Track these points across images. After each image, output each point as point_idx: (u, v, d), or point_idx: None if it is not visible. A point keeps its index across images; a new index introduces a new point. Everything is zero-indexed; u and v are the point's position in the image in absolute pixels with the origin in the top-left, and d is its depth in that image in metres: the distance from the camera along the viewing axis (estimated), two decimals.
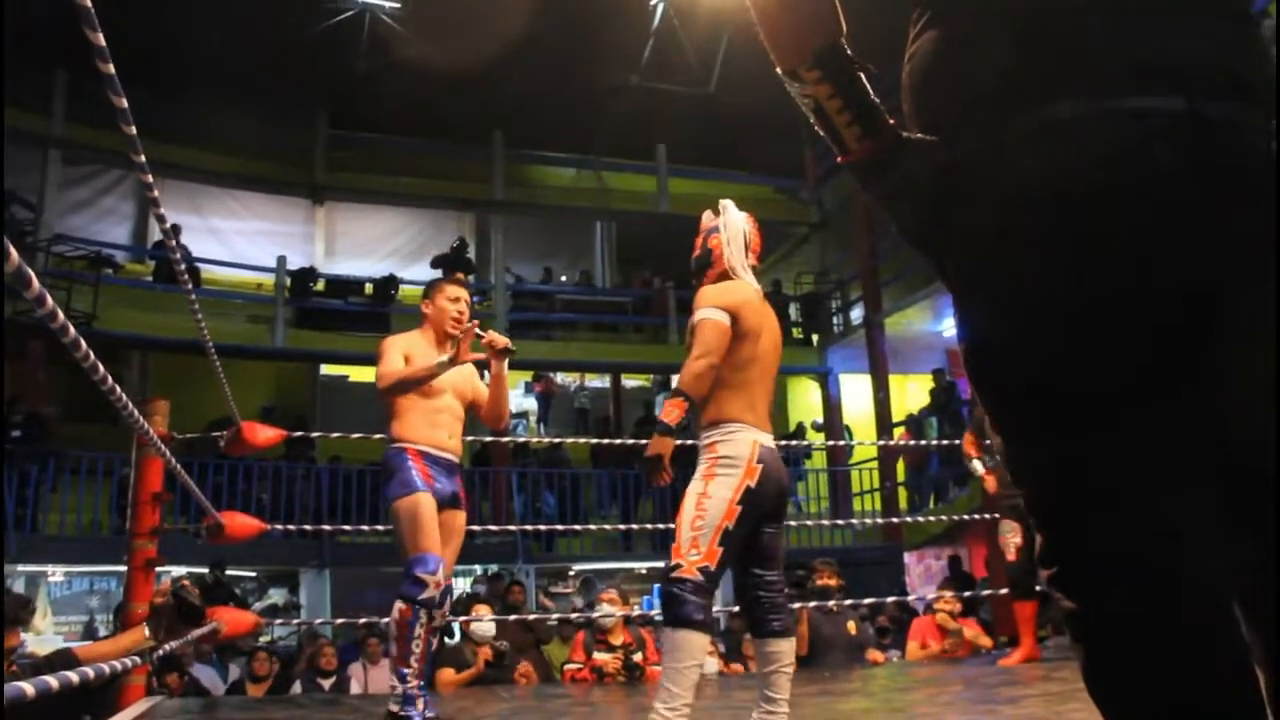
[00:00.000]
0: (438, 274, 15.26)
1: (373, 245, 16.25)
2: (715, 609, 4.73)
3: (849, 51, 1.15)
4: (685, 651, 2.67)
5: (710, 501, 2.81)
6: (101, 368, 1.62)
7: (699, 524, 2.79)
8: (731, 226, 3.19)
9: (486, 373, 3.94)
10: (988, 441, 5.62)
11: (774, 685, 2.87)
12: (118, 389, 1.85)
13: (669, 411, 2.87)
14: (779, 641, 2.92)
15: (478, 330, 3.66)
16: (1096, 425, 1.02)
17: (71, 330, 1.35)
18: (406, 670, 3.45)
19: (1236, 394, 1.00)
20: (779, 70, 1.18)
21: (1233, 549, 1.00)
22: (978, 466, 5.83)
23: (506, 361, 3.76)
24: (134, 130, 1.62)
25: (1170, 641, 0.98)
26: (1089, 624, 1.05)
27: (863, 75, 1.16)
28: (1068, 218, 1.03)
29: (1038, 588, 5.37)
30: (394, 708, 3.44)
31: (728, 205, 3.25)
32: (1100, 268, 1.02)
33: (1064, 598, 1.07)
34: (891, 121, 1.17)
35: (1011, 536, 5.50)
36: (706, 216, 3.27)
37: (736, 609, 3.64)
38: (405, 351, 3.75)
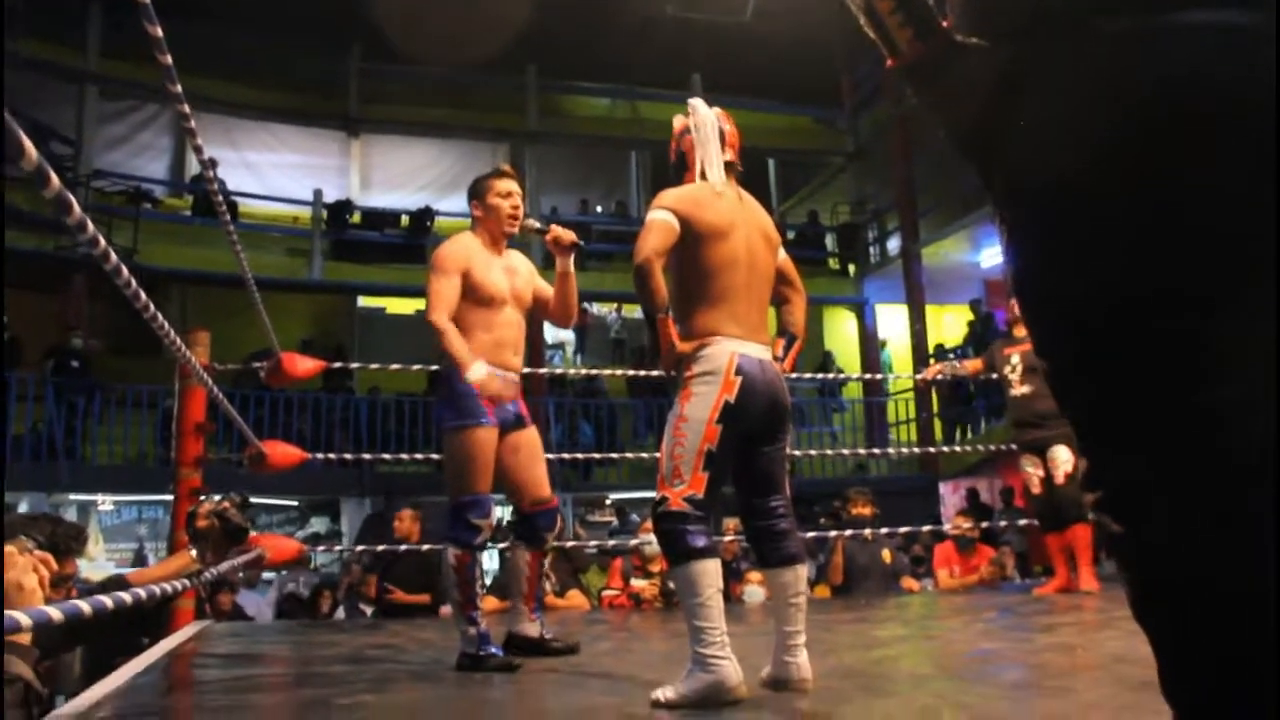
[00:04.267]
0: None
1: (407, 177, 16.25)
2: None
3: None
4: (699, 584, 2.53)
5: (688, 425, 2.64)
6: (144, 296, 1.64)
7: (679, 451, 2.63)
8: (703, 126, 2.94)
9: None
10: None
11: (785, 618, 2.70)
12: (160, 317, 1.87)
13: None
14: (783, 571, 2.74)
15: (538, 226, 3.48)
16: (1151, 340, 1.00)
17: (113, 257, 1.36)
18: (476, 613, 3.32)
19: None
20: None
21: None
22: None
23: (573, 258, 3.52)
24: (169, 59, 1.62)
25: (1223, 561, 0.96)
26: (1136, 547, 1.04)
27: None
28: (1128, 134, 1.00)
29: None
30: (470, 650, 3.29)
31: (696, 104, 2.99)
32: (1161, 183, 0.99)
33: (1110, 521, 1.05)
34: (946, 24, 1.13)
35: (1034, 471, 5.49)
36: (677, 120, 3.02)
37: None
38: (463, 267, 3.43)
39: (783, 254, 3.01)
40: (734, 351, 2.70)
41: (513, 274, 3.60)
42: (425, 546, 5.98)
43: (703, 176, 2.90)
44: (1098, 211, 1.02)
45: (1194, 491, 0.98)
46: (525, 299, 3.64)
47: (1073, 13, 1.04)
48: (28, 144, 0.87)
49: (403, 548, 6.07)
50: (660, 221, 2.75)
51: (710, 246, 2.76)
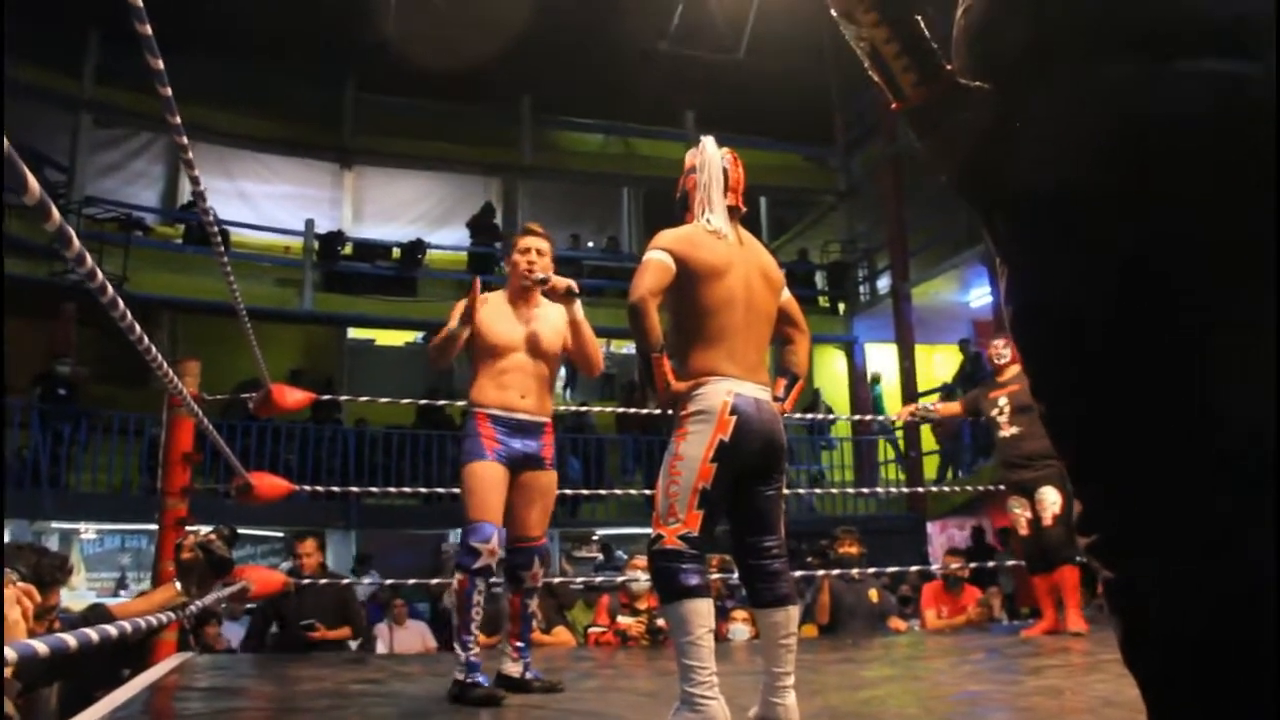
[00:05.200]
0: (463, 237, 15.35)
1: (400, 209, 16.28)
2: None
3: None
4: (691, 622, 2.54)
5: (683, 463, 2.66)
6: (138, 327, 1.64)
7: (674, 489, 2.66)
8: (708, 166, 2.95)
9: None
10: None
11: (774, 659, 2.68)
12: (152, 348, 1.87)
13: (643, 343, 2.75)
14: (775, 612, 2.73)
15: (538, 278, 3.61)
16: (1147, 384, 1.00)
17: (109, 289, 1.36)
18: (469, 638, 3.41)
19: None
20: (833, 11, 1.15)
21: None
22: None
23: (578, 304, 3.66)
24: (169, 91, 1.63)
25: (1216, 609, 0.96)
26: (1128, 592, 1.04)
27: (920, 19, 1.12)
28: (1133, 176, 1.01)
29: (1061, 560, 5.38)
30: (459, 675, 3.38)
31: (705, 143, 3.00)
32: (1163, 223, 1.00)
33: (1103, 566, 1.05)
34: (949, 68, 1.14)
35: (1021, 512, 5.50)
36: (688, 156, 3.04)
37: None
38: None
39: (786, 294, 3.04)
40: (730, 390, 2.71)
41: (533, 322, 3.75)
42: (307, 575, 5.75)
43: (700, 217, 2.91)
44: (1101, 248, 1.02)
45: (1187, 527, 0.97)
46: (546, 347, 3.76)
47: (1077, 56, 1.05)
48: (30, 178, 0.87)
49: (306, 580, 5.71)
50: (656, 261, 2.78)
51: (707, 286, 2.78)
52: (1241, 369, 0.97)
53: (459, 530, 3.68)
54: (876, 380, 15.83)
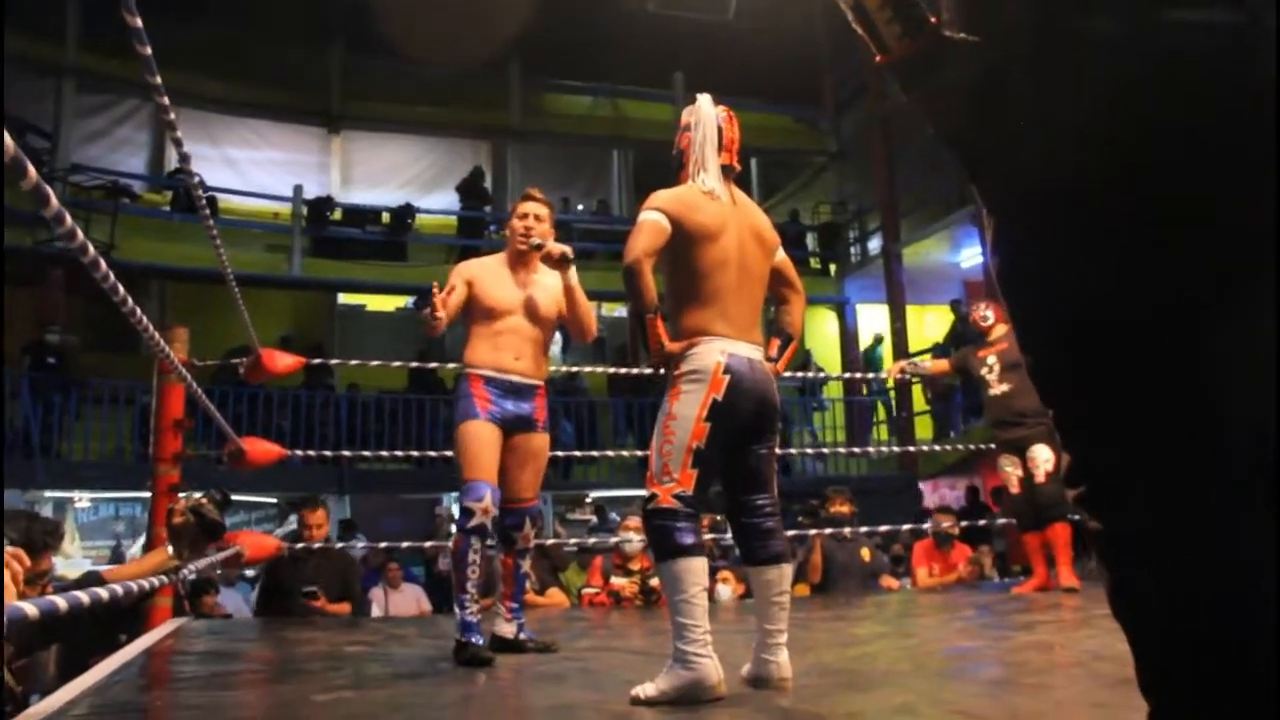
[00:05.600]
0: (453, 201, 15.28)
1: (389, 174, 16.18)
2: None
3: None
4: (686, 580, 2.56)
5: (676, 423, 2.68)
6: (122, 289, 1.63)
7: (668, 448, 2.67)
8: (703, 124, 2.93)
9: None
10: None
11: (767, 616, 2.72)
12: (139, 312, 1.85)
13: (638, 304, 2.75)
14: (768, 569, 2.77)
15: (533, 243, 3.65)
16: (1142, 329, 1.00)
17: (91, 250, 1.35)
18: (465, 596, 3.45)
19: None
20: None
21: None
22: None
23: (573, 271, 3.67)
24: (149, 50, 1.60)
25: (1199, 557, 0.97)
26: (1115, 539, 1.04)
27: None
28: (1123, 131, 1.00)
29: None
30: (457, 635, 3.44)
31: (701, 101, 2.99)
32: (1155, 179, 0.99)
33: (1090, 517, 1.06)
34: (934, 20, 1.13)
35: (1013, 470, 5.52)
36: (684, 113, 3.02)
37: None
38: (468, 278, 3.72)
39: (781, 255, 3.03)
40: (723, 350, 2.73)
41: (530, 287, 3.77)
42: (317, 544, 5.58)
43: (695, 177, 2.90)
44: (1092, 206, 1.01)
45: (1178, 479, 0.98)
46: (543, 312, 3.79)
47: (1065, 11, 1.04)
48: (5, 136, 0.86)
49: (296, 544, 5.47)
50: (651, 222, 2.77)
51: (701, 248, 2.78)
52: (1242, 363, 0.97)
53: (453, 494, 3.71)
54: (879, 341, 15.78)
